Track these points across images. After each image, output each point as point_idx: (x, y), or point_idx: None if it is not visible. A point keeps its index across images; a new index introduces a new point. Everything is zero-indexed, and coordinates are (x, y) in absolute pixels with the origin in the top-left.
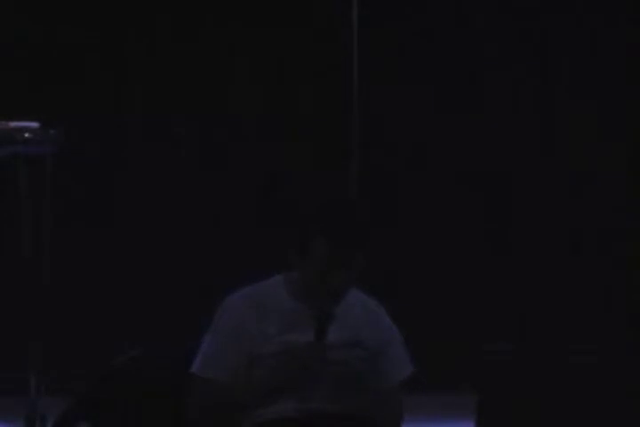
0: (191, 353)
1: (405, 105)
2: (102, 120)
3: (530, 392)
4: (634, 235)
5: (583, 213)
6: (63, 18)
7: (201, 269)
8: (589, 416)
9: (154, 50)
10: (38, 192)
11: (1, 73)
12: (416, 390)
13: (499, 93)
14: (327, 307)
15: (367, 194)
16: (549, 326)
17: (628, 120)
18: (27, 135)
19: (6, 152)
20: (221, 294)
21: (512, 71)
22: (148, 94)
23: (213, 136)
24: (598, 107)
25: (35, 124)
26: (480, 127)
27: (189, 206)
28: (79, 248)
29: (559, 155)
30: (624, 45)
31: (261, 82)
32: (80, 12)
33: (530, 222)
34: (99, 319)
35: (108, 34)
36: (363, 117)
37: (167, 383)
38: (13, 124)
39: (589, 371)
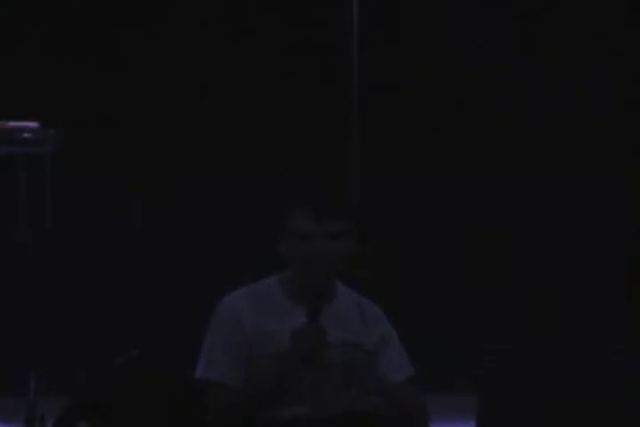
0: (191, 353)
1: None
2: (102, 120)
3: (530, 392)
4: (634, 235)
5: (583, 213)
6: (63, 17)
7: (201, 269)
8: (590, 416)
9: (154, 48)
10: (38, 192)
11: (1, 72)
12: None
13: (498, 92)
14: (317, 282)
15: (368, 194)
16: (549, 326)
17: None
18: (26, 135)
19: (6, 152)
20: (221, 294)
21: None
22: (149, 94)
23: (214, 136)
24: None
25: (34, 124)
26: (480, 127)
27: (189, 206)
28: (79, 248)
29: (559, 156)
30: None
31: (260, 81)
32: (80, 12)
33: (529, 222)
34: (99, 319)
35: (108, 33)
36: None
37: (167, 383)
38: (13, 123)
39: (589, 371)
